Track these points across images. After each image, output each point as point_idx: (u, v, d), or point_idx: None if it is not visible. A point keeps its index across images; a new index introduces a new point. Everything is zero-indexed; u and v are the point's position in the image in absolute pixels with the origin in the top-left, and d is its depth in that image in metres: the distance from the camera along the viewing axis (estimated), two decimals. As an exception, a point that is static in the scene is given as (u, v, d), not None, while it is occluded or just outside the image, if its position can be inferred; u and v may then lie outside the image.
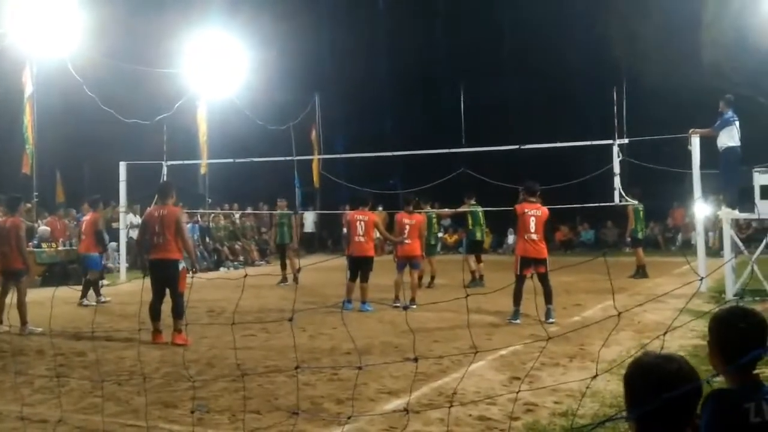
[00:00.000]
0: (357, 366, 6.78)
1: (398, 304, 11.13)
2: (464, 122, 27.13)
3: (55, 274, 15.84)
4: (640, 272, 15.68)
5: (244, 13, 25.00)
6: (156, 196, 9.56)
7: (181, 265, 8.72)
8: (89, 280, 12.58)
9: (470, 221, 15.23)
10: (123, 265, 17.46)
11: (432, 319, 9.88)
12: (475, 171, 16.24)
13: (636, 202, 15.52)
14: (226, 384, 6.30)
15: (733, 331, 2.52)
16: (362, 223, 11.47)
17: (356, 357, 7.34)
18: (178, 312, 8.55)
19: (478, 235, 15.32)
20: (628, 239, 16.98)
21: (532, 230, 9.83)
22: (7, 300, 9.76)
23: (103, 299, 12.62)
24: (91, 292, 12.56)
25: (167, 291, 8.74)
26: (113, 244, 19.07)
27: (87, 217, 12.97)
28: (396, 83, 31.23)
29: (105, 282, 15.97)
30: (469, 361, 7.07)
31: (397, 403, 5.72)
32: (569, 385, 6.11)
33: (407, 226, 11.80)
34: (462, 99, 27.39)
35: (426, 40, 31.25)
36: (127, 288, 14.61)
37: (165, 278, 8.66)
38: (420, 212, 12.96)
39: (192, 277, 8.49)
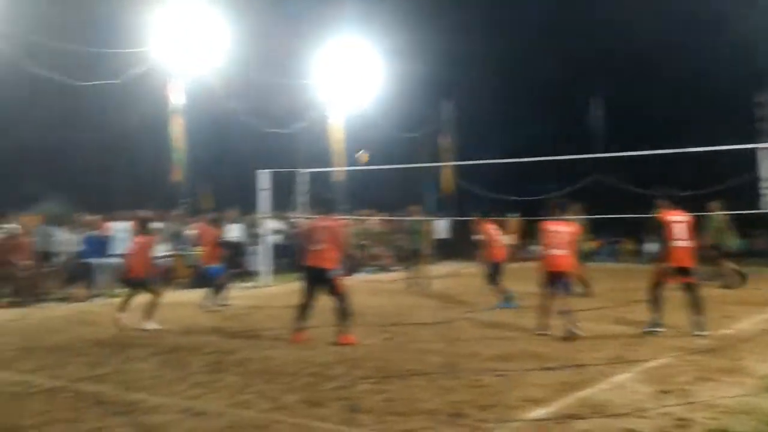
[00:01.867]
0: (498, 373, 6.79)
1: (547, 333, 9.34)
2: (601, 127, 26.40)
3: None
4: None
5: (378, 22, 25.43)
6: (318, 208, 9.88)
7: (335, 273, 9.01)
8: (218, 284, 12.68)
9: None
10: (267, 268, 18.03)
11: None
12: (611, 177, 15.81)
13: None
14: (370, 386, 6.43)
15: None
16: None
17: (497, 364, 7.31)
18: (343, 314, 8.88)
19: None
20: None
21: (680, 237, 9.39)
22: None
23: (220, 303, 12.52)
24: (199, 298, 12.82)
25: (316, 297, 9.08)
26: (257, 248, 19.87)
27: (204, 231, 13.29)
28: (531, 89, 30.76)
29: (252, 284, 16.64)
30: (614, 372, 6.91)
31: (540, 412, 5.63)
32: (723, 400, 5.82)
33: (558, 234, 9.66)
34: (599, 104, 26.70)
35: (562, 43, 30.60)
36: (272, 291, 15.22)
37: (320, 286, 9.02)
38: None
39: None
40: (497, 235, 12.62)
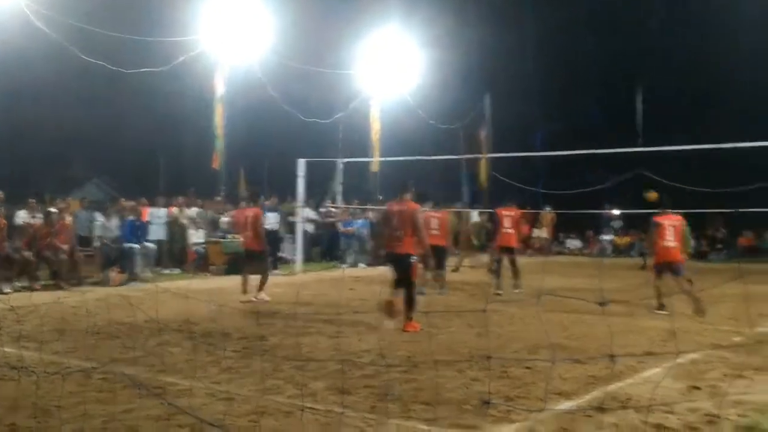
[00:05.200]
0: (526, 365, 6.78)
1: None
2: (642, 120, 25.96)
3: (239, 263, 16.80)
4: None
5: (418, 14, 25.36)
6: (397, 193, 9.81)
7: (413, 259, 9.16)
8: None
9: None
10: (299, 256, 18.19)
11: (602, 323, 9.58)
12: (654, 172, 15.56)
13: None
14: (397, 375, 6.46)
15: None
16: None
17: (525, 355, 7.30)
18: (410, 302, 9.02)
19: None
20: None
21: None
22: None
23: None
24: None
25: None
26: (289, 236, 20.05)
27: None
28: (570, 81, 30.41)
29: (284, 271, 16.83)
30: (643, 367, 6.85)
31: (567, 404, 5.60)
32: (754, 397, 5.74)
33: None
34: (639, 96, 26.24)
35: (600, 36, 30.20)
36: (301, 279, 15.34)
37: (399, 270, 9.17)
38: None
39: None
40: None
